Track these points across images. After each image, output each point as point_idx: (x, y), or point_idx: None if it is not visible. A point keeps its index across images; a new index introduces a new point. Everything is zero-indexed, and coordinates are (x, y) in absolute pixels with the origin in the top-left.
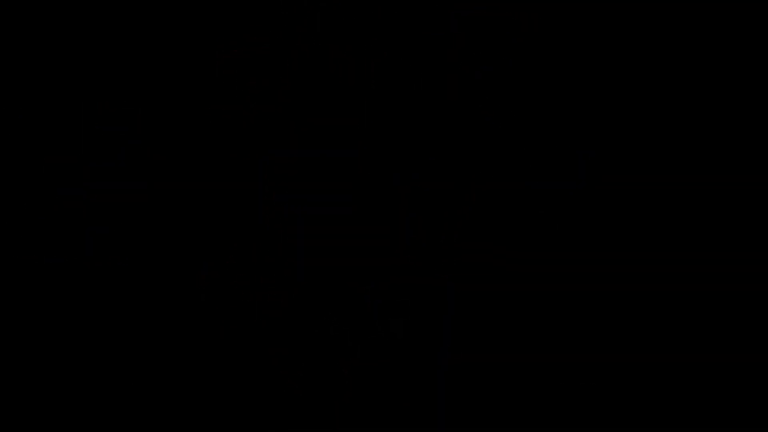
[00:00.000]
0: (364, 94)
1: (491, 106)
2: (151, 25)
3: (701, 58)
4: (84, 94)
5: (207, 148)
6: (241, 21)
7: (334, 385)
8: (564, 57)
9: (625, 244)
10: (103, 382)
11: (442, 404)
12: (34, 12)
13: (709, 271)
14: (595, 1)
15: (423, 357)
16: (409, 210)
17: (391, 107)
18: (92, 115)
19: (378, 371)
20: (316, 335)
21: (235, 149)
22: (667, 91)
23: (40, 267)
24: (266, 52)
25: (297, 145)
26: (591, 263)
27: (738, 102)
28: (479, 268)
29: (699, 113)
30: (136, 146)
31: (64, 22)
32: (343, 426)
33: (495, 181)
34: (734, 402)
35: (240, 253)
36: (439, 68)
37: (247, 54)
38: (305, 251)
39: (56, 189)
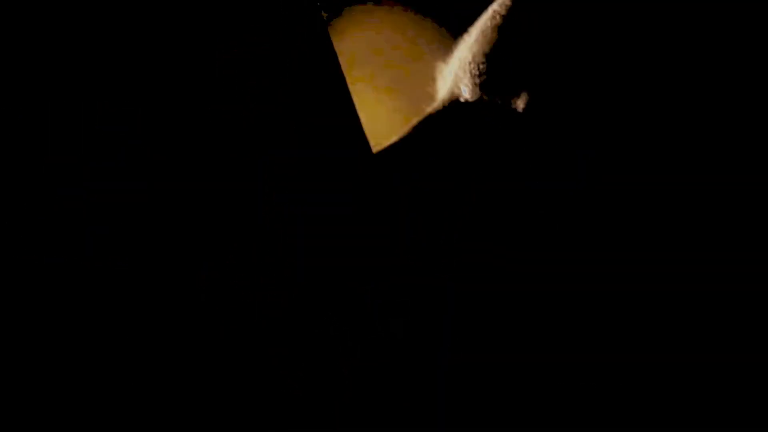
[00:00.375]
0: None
1: (491, 105)
2: (151, 24)
3: (701, 58)
4: (84, 94)
5: (207, 148)
6: (241, 21)
7: (334, 385)
8: (563, 56)
9: (625, 244)
10: (103, 382)
11: (442, 404)
12: (34, 11)
13: (709, 271)
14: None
15: (423, 357)
16: (409, 210)
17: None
18: (92, 115)
19: (378, 371)
20: (316, 335)
21: (235, 149)
22: (667, 91)
23: (40, 267)
24: (266, 52)
25: (297, 145)
26: (591, 263)
27: (738, 102)
28: (479, 268)
29: (698, 113)
30: (136, 146)
31: (63, 22)
32: (343, 426)
33: (495, 181)
34: (734, 402)
35: (240, 253)
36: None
37: (247, 54)
38: (305, 251)
39: (56, 189)
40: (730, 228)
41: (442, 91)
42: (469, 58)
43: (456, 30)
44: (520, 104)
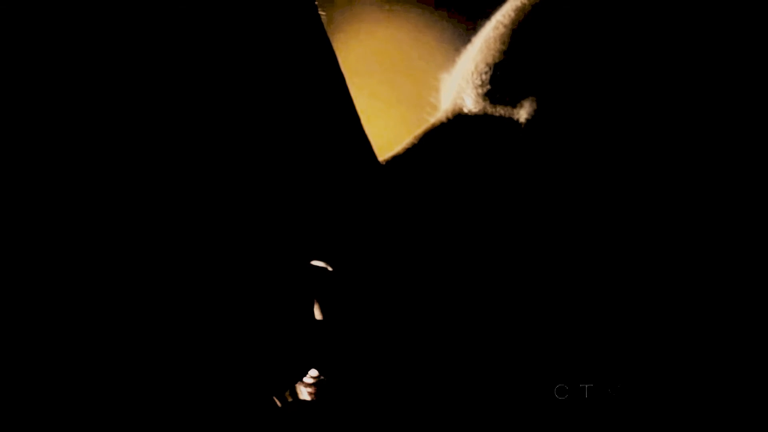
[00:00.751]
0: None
1: (495, 116)
2: (151, 24)
3: (700, 58)
4: (84, 94)
5: (207, 148)
6: (241, 21)
7: (334, 384)
8: (568, 68)
9: (624, 243)
10: (103, 382)
11: (442, 404)
12: (34, 11)
13: (708, 271)
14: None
15: (423, 357)
16: (409, 211)
17: None
18: (92, 115)
19: (378, 371)
20: (316, 335)
21: (235, 149)
22: (667, 91)
23: (40, 267)
24: (266, 52)
25: (297, 146)
26: (591, 263)
27: (737, 102)
28: (479, 268)
29: (698, 113)
30: (136, 146)
31: (63, 21)
32: (344, 426)
33: (495, 184)
34: (734, 402)
35: (240, 253)
36: None
37: (247, 54)
38: (305, 251)
39: (56, 189)
40: (730, 228)
41: (445, 101)
42: (472, 68)
43: (459, 40)
44: (524, 115)
